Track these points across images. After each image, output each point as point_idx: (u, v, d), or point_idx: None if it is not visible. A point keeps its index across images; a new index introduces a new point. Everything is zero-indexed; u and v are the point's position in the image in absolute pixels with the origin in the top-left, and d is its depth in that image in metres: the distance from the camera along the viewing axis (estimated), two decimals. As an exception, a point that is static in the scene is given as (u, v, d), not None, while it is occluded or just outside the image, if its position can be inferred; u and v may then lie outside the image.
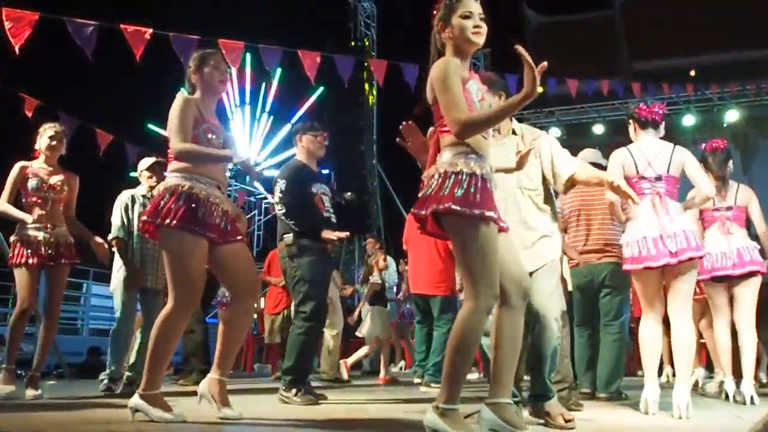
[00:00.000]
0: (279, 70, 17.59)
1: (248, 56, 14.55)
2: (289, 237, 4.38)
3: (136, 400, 3.00)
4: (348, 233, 4.49)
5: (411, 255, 6.51)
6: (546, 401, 3.13)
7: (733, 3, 13.95)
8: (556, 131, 13.01)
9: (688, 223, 3.55)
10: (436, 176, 2.42)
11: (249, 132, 19.18)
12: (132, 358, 5.04)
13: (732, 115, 12.82)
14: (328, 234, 4.37)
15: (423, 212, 2.41)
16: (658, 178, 3.60)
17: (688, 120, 12.86)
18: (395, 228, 19.13)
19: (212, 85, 3.33)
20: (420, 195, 2.47)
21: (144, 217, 3.11)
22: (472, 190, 2.34)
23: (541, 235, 3.25)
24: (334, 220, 4.56)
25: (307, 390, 4.19)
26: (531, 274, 3.18)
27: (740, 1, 13.86)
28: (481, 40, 2.52)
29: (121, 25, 5.83)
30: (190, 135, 3.14)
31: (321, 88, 17.99)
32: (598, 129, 13.40)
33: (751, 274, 4.31)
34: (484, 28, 2.52)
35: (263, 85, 18.99)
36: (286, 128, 18.15)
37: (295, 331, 4.32)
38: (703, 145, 4.66)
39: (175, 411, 3.00)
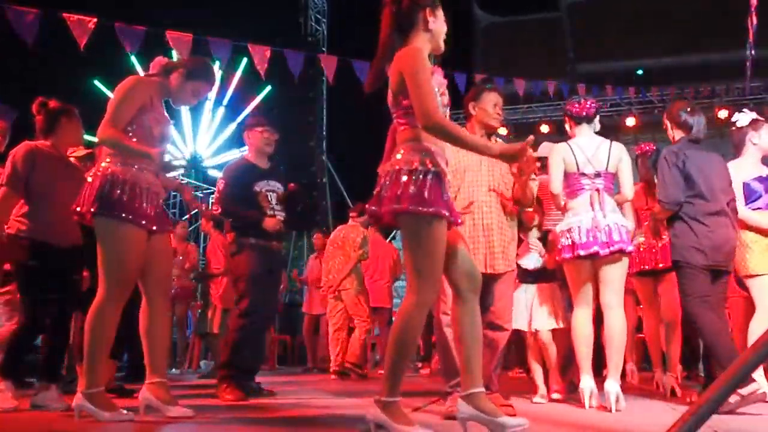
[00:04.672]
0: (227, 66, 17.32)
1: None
2: (232, 235, 4.42)
3: (79, 399, 2.92)
4: (279, 220, 4.43)
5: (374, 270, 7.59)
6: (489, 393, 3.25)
7: (673, 10, 14.43)
8: (503, 130, 13.21)
9: (621, 219, 3.70)
10: (392, 173, 2.41)
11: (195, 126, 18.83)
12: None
13: (672, 117, 13.25)
14: (268, 222, 4.34)
15: (379, 210, 2.41)
16: (597, 175, 3.73)
17: (630, 121, 13.26)
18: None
19: (182, 98, 3.27)
20: (375, 192, 2.46)
21: (81, 207, 2.98)
22: (425, 188, 2.35)
23: (511, 241, 3.47)
24: (279, 217, 4.49)
25: (238, 385, 4.17)
26: (500, 276, 3.39)
27: (680, 8, 14.35)
28: (441, 51, 2.60)
29: (64, 14, 5.66)
30: (125, 122, 3.04)
31: (268, 87, 17.76)
32: (544, 128, 13.67)
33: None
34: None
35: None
36: (232, 127, 17.91)
37: (231, 327, 4.37)
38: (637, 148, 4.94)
39: (121, 410, 2.94)
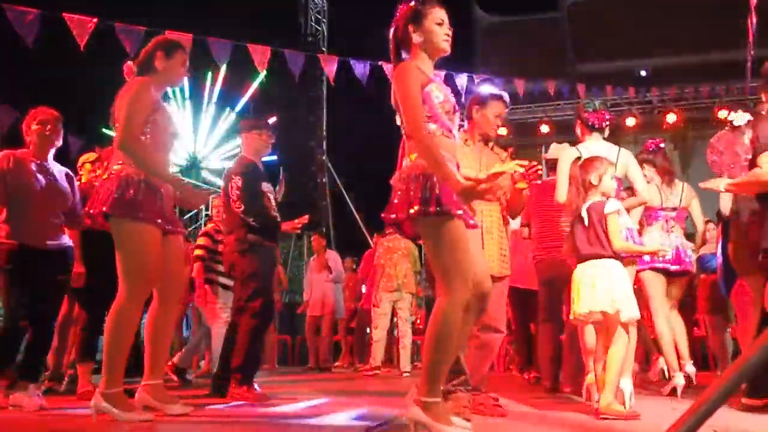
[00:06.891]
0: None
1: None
2: (240, 233, 4.31)
3: (98, 399, 2.90)
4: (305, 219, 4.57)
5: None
6: (480, 394, 3.29)
7: (674, 10, 14.42)
8: (502, 130, 13.20)
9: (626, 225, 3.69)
10: (403, 181, 2.46)
11: (193, 125, 18.90)
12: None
13: (672, 117, 13.25)
14: (288, 225, 4.44)
15: (395, 216, 2.44)
16: None
17: (630, 121, 13.24)
18: (344, 224, 19.15)
19: (177, 75, 3.29)
20: (391, 201, 2.50)
21: (93, 209, 2.97)
22: (434, 190, 2.38)
23: (507, 245, 3.48)
24: (279, 219, 4.52)
25: (252, 386, 4.14)
26: (498, 279, 3.35)
27: (681, 9, 14.34)
28: (449, 48, 2.61)
29: (64, 14, 5.67)
30: (141, 127, 3.04)
31: (262, 75, 17.71)
32: (544, 128, 13.66)
33: (684, 273, 4.64)
34: (450, 37, 2.60)
35: (209, 75, 18.85)
36: (231, 116, 17.94)
37: (243, 327, 4.24)
38: (649, 144, 4.86)
39: (139, 410, 2.94)
